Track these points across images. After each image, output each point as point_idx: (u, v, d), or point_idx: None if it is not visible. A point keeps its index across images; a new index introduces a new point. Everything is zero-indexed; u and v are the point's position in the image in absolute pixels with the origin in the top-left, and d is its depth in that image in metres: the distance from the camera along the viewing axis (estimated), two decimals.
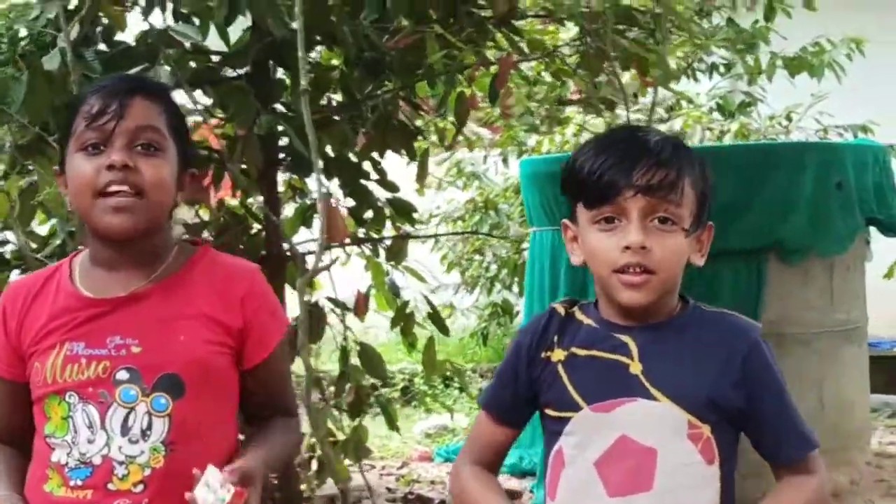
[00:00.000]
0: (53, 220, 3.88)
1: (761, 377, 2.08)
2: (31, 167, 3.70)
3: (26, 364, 2.14)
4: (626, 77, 6.32)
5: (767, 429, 2.09)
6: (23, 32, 3.65)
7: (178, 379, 2.08)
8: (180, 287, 2.16)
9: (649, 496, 2.02)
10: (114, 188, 2.05)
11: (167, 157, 2.13)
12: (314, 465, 4.86)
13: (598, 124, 6.20)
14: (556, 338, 2.15)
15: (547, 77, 6.00)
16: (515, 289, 8.40)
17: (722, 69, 7.80)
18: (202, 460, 2.06)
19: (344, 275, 5.08)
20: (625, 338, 2.09)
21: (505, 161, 8.17)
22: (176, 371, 2.08)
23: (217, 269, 2.23)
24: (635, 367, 2.06)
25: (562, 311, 2.18)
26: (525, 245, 7.24)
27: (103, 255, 2.16)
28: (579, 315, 2.17)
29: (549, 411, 2.14)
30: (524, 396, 2.18)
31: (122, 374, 2.06)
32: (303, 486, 4.79)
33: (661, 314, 2.10)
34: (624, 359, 2.07)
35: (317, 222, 3.58)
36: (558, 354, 2.13)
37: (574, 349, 2.12)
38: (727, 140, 7.21)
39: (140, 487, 2.05)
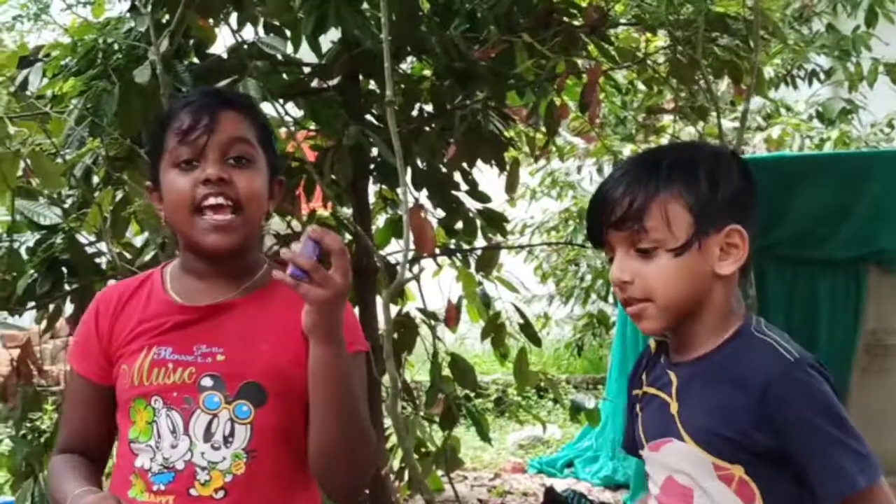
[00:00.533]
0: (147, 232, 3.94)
1: (785, 414, 1.91)
2: (123, 179, 3.75)
3: (113, 368, 2.16)
4: (724, 85, 6.25)
5: (807, 467, 1.93)
6: (115, 46, 3.70)
7: (260, 388, 2.09)
8: (266, 300, 2.17)
9: None
10: (211, 201, 2.07)
11: (258, 167, 2.15)
12: (406, 476, 4.87)
13: (692, 133, 6.12)
14: (644, 375, 2.14)
15: (640, 85, 5.94)
16: (611, 299, 8.34)
17: (822, 76, 7.67)
18: (281, 469, 2.10)
19: (436, 286, 5.08)
20: (671, 374, 2.05)
21: (599, 170, 8.12)
22: (258, 380, 2.09)
23: None
24: (673, 407, 2.01)
25: (653, 346, 2.16)
26: None
27: (196, 266, 2.19)
28: (654, 347, 2.16)
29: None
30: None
31: (207, 381, 2.08)
32: (396, 497, 4.80)
33: (707, 344, 2.03)
34: (666, 396, 2.04)
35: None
36: (639, 392, 2.13)
37: (646, 387, 2.11)
38: (827, 148, 7.09)
39: (221, 494, 2.06)
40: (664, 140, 7.13)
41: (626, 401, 2.20)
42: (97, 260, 3.97)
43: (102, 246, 3.87)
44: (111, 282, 3.78)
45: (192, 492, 2.06)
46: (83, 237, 3.87)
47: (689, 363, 2.03)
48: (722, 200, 1.99)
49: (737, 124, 6.17)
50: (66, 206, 3.86)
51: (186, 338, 2.12)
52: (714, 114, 4.57)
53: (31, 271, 3.81)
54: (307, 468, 2.14)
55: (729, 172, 2.02)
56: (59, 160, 3.73)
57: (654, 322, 1.98)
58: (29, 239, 3.80)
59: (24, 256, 3.80)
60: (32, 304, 3.93)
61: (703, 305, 2.00)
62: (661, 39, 5.08)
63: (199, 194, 2.08)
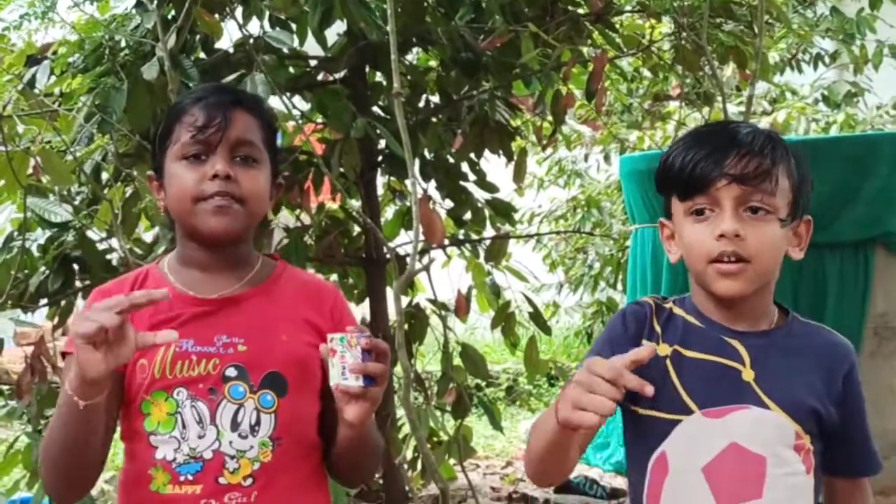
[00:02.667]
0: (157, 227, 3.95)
1: (855, 397, 2.07)
2: (133, 175, 3.76)
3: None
4: (729, 70, 6.25)
5: (848, 444, 2.09)
6: (122, 43, 3.71)
7: (281, 377, 2.14)
8: (275, 292, 2.23)
9: None
10: (217, 199, 2.10)
11: (263, 168, 2.20)
12: (419, 465, 4.89)
13: (698, 119, 6.13)
14: (660, 330, 2.11)
15: (646, 73, 5.95)
16: (620, 286, 8.35)
17: (827, 59, 7.67)
18: (303, 454, 2.17)
19: (446, 276, 5.10)
20: (735, 342, 2.05)
21: (606, 158, 8.13)
22: (279, 369, 2.14)
23: (303, 279, 2.34)
24: (748, 374, 2.02)
25: (652, 303, 2.15)
26: (628, 243, 7.19)
27: (196, 257, 2.21)
28: (678, 311, 2.14)
29: (652, 412, 2.06)
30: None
31: (231, 371, 2.11)
32: (410, 486, 4.83)
33: (763, 320, 2.08)
34: (737, 365, 2.03)
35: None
36: (665, 349, 2.08)
37: (678, 347, 2.07)
38: (833, 131, 7.08)
39: (249, 481, 2.10)
40: (670, 127, 7.13)
41: (616, 343, 2.08)
42: (108, 256, 3.99)
43: (114, 242, 3.88)
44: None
45: (221, 480, 2.09)
46: (94, 234, 3.89)
47: (758, 335, 2.07)
48: (808, 189, 2.08)
49: (742, 109, 6.18)
50: (77, 203, 3.88)
51: (206, 329, 2.14)
52: (720, 99, 4.58)
53: (43, 268, 3.83)
54: (320, 453, 2.23)
55: (808, 167, 2.10)
56: (69, 157, 3.74)
57: (748, 284, 1.99)
58: (40, 236, 3.83)
59: (36, 254, 3.83)
60: (45, 301, 3.95)
61: (770, 282, 2.07)
62: (666, 26, 5.09)
63: (205, 189, 2.12)
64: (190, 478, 2.09)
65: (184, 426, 2.09)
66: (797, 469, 2.01)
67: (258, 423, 2.11)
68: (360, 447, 2.18)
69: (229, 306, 2.17)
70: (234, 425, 2.10)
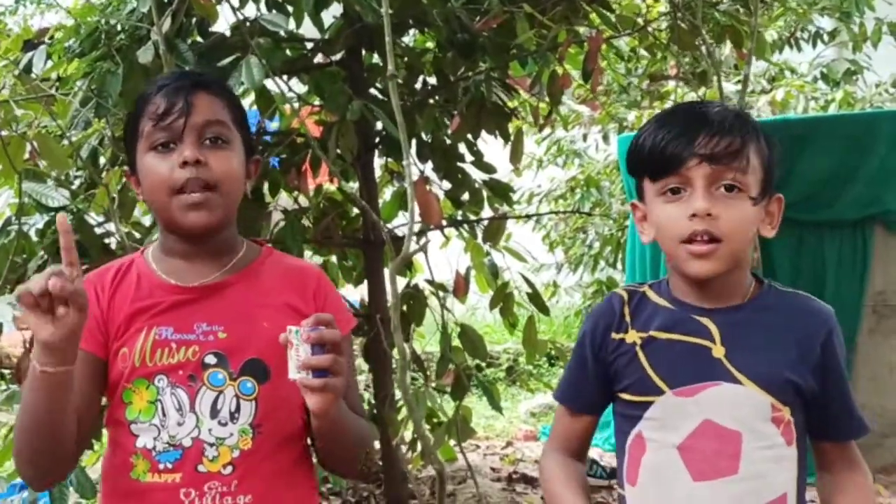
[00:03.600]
0: None
1: (835, 362, 2.07)
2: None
3: (109, 346, 2.16)
4: (727, 49, 6.25)
5: (831, 410, 2.08)
6: (118, 27, 3.71)
7: (262, 364, 2.14)
8: (257, 278, 2.22)
9: (734, 480, 2.01)
10: (191, 185, 2.09)
11: (234, 148, 2.18)
12: (418, 447, 4.90)
13: (695, 98, 6.12)
14: (629, 319, 2.14)
15: (643, 52, 5.93)
16: (620, 266, 8.36)
17: (826, 37, 7.66)
18: (284, 442, 2.17)
19: (444, 257, 5.10)
20: (705, 321, 2.07)
21: (605, 138, 8.12)
22: (259, 356, 2.13)
23: (287, 264, 2.32)
24: (718, 351, 2.04)
25: (625, 295, 2.18)
26: (627, 222, 7.19)
27: (178, 247, 2.20)
28: (651, 295, 2.16)
29: (625, 395, 2.12)
30: (596, 382, 2.17)
31: (211, 359, 2.11)
32: (409, 468, 4.84)
33: (736, 294, 2.08)
34: (706, 342, 2.05)
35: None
36: (633, 336, 2.11)
37: (653, 332, 2.10)
38: (832, 110, 7.08)
39: (229, 469, 2.09)
40: (668, 106, 7.11)
41: (581, 351, 2.20)
42: (106, 240, 3.99)
43: (111, 226, 3.89)
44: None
45: (201, 468, 2.09)
46: (91, 218, 3.88)
47: (728, 310, 2.07)
48: (776, 166, 2.08)
49: (740, 88, 6.17)
50: (74, 187, 3.87)
51: (185, 317, 2.14)
52: (716, 78, 4.57)
53: (41, 253, 3.83)
54: (305, 440, 2.22)
55: (776, 142, 2.11)
56: (66, 142, 3.74)
57: (720, 264, 2.00)
58: (38, 221, 3.82)
59: (34, 238, 3.83)
60: None
61: (742, 260, 2.07)
62: (663, 5, 5.08)
63: (177, 178, 2.10)
64: (169, 466, 2.09)
65: (164, 414, 2.09)
66: (776, 442, 2.02)
67: (238, 410, 2.11)
68: (334, 437, 2.15)
69: (210, 294, 2.17)
70: (214, 412, 2.10)
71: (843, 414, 2.10)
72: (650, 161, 2.05)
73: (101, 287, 2.19)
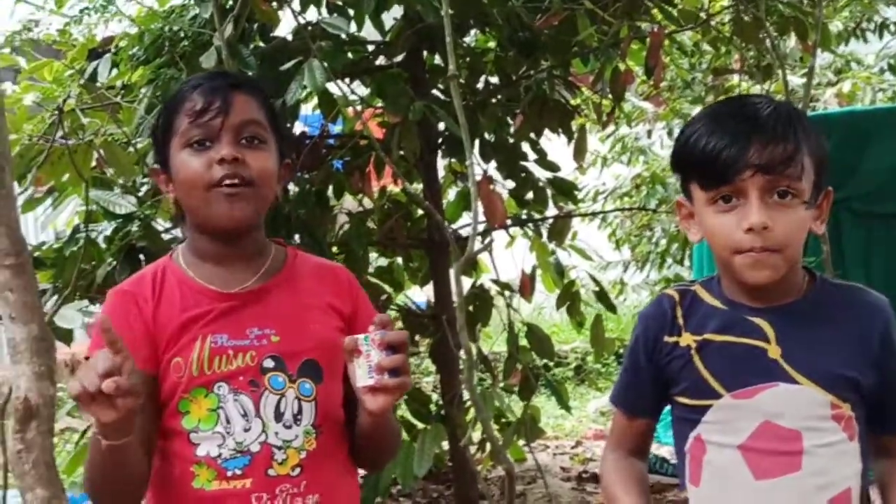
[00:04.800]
0: None
1: (893, 354, 2.02)
2: None
3: (159, 358, 2.14)
4: (792, 41, 6.17)
5: (889, 402, 2.04)
6: (181, 34, 3.74)
7: (316, 364, 2.15)
8: (296, 281, 2.22)
9: (797, 477, 1.98)
10: (227, 182, 2.09)
11: (270, 149, 2.17)
12: (488, 447, 4.90)
13: (760, 91, 6.05)
14: (682, 321, 2.10)
15: (706, 46, 5.89)
16: (687, 262, 8.29)
17: (892, 28, 7.54)
18: (340, 440, 2.19)
19: (511, 256, 5.10)
20: (759, 321, 2.03)
21: (670, 133, 8.05)
22: (314, 356, 2.15)
23: (315, 263, 2.33)
24: (774, 352, 2.01)
25: (676, 296, 2.15)
26: None
27: (211, 250, 2.18)
28: (703, 295, 2.12)
29: (682, 399, 2.09)
30: (651, 386, 2.15)
31: (269, 363, 2.11)
32: (478, 468, 4.84)
33: (790, 293, 2.04)
34: (761, 343, 2.02)
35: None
36: (687, 339, 2.08)
37: (707, 335, 2.07)
38: None
39: (297, 471, 2.10)
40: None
41: (634, 354, 2.18)
42: (174, 246, 4.02)
43: (178, 232, 3.92)
44: None
45: (271, 472, 2.09)
46: (159, 224, 3.92)
47: (782, 308, 2.04)
48: (828, 163, 2.03)
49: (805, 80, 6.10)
50: (141, 194, 3.91)
51: (237, 323, 2.13)
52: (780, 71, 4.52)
53: (110, 259, 3.87)
54: (350, 442, 2.24)
55: (823, 136, 2.06)
56: (132, 149, 3.78)
57: (776, 272, 1.96)
58: (106, 228, 3.86)
59: (103, 245, 3.87)
60: None
61: (796, 260, 2.03)
62: None
63: (214, 175, 2.09)
64: (238, 472, 2.08)
65: (227, 421, 2.08)
66: (837, 438, 1.99)
67: (300, 411, 2.11)
68: (384, 433, 2.19)
69: (255, 299, 2.16)
70: (278, 416, 2.10)
71: None
72: (701, 169, 2.00)
73: (144, 299, 2.16)
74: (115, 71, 3.93)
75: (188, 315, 2.13)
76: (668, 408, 2.19)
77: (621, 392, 2.25)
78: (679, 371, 2.08)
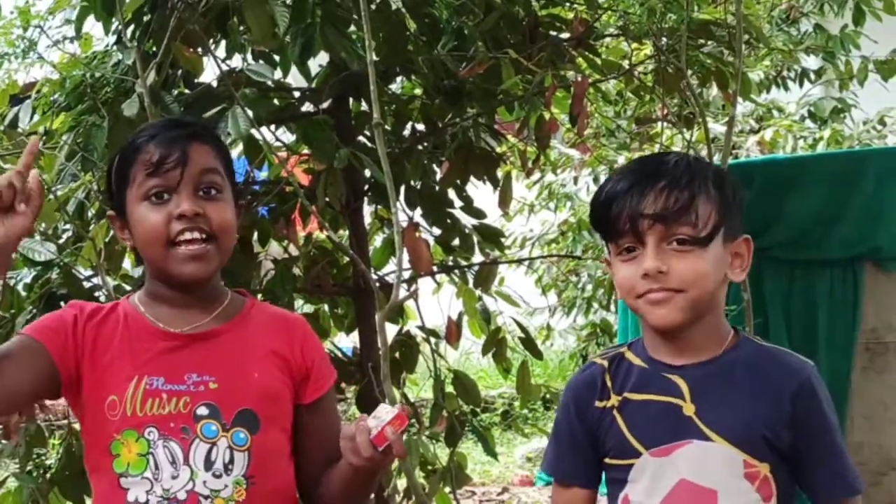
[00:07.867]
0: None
1: (810, 417, 2.05)
2: None
3: (70, 367, 2.12)
4: (715, 90, 6.27)
5: (814, 468, 2.07)
6: (103, 81, 3.71)
7: (253, 414, 2.14)
8: (246, 327, 2.22)
9: None
10: (186, 236, 2.09)
11: (226, 197, 2.19)
12: (413, 496, 4.86)
13: (683, 139, 6.13)
14: (610, 385, 2.14)
15: (631, 95, 5.95)
16: (613, 308, 8.34)
17: (812, 76, 7.69)
18: (276, 492, 2.17)
19: (437, 303, 5.09)
20: (675, 378, 2.07)
21: (595, 180, 8.12)
22: (251, 406, 2.13)
23: (271, 312, 2.34)
24: (688, 409, 2.04)
25: (605, 363, 2.17)
26: None
27: (167, 294, 2.20)
28: (629, 355, 2.16)
29: (609, 460, 2.13)
30: (586, 451, 2.17)
31: (203, 410, 2.11)
32: None
33: (708, 348, 2.08)
34: (677, 400, 2.05)
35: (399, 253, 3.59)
36: (613, 400, 2.13)
37: (627, 394, 2.10)
38: (820, 148, 7.09)
39: None
40: (657, 148, 7.13)
41: (565, 421, 2.20)
42: (95, 294, 3.98)
43: (98, 280, 3.87)
44: None
45: None
46: (79, 272, 3.87)
47: (698, 366, 2.07)
48: (737, 210, 2.09)
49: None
50: (61, 241, 3.86)
51: (176, 366, 2.13)
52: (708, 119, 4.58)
53: (30, 307, 3.82)
54: (295, 489, 2.23)
55: (737, 185, 2.13)
56: (52, 196, 3.73)
57: (678, 313, 2.01)
58: (26, 275, 3.81)
59: (22, 293, 3.81)
60: None
61: (710, 309, 2.07)
62: (649, 48, 5.09)
63: (173, 229, 2.10)
64: None
65: (156, 467, 2.07)
66: (751, 498, 2.02)
67: (231, 461, 2.10)
68: (358, 486, 2.19)
69: (200, 341, 2.16)
70: (208, 465, 2.08)
71: (828, 471, 2.08)
72: (605, 223, 2.09)
73: (90, 316, 2.18)
74: (35, 117, 3.88)
75: (124, 345, 2.12)
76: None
77: (554, 461, 2.26)
78: (606, 432, 2.12)
